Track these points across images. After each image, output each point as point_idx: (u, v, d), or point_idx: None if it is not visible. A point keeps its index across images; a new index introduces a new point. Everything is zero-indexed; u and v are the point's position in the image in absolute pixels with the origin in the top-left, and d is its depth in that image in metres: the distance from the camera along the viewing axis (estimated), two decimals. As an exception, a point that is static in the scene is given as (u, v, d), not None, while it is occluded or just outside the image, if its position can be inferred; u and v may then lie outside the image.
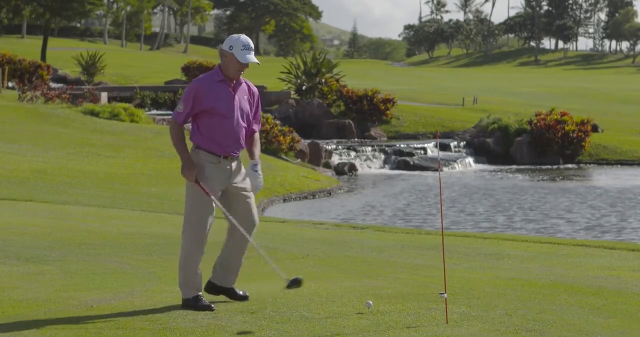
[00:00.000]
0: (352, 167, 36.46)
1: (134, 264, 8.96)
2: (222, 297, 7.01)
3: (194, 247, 6.77)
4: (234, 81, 6.75)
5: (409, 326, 6.27)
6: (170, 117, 6.91)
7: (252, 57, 6.66)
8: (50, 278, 7.96)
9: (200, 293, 6.78)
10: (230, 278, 6.96)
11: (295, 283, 6.59)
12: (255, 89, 6.94)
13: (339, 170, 35.73)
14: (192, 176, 6.61)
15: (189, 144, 6.80)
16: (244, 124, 6.80)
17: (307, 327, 6.17)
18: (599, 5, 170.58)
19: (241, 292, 6.97)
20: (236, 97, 6.75)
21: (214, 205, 6.71)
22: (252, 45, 6.70)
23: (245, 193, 6.83)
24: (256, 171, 6.77)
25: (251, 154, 6.94)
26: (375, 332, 6.10)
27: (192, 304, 6.68)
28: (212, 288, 6.99)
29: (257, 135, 7.00)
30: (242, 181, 6.82)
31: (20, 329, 6.03)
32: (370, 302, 6.71)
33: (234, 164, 6.78)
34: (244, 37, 6.69)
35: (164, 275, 8.24)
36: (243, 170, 6.86)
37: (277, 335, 5.97)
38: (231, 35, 6.77)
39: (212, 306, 6.66)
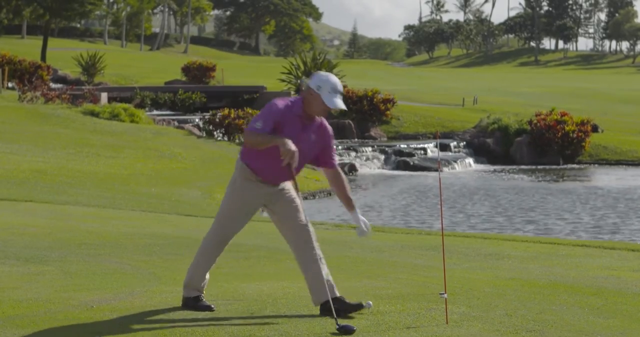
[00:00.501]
0: (352, 168, 36.45)
1: (134, 265, 8.96)
2: (222, 297, 7.00)
3: (213, 251, 6.68)
4: (312, 120, 6.48)
5: (409, 326, 6.26)
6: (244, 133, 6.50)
7: (340, 103, 6.37)
8: (50, 278, 7.95)
9: (202, 294, 6.73)
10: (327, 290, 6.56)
11: (345, 330, 6.07)
12: (328, 128, 6.62)
13: (339, 170, 35.72)
14: (292, 146, 6.24)
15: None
16: (302, 162, 6.53)
17: (307, 327, 6.17)
18: (599, 6, 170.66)
19: (352, 302, 6.56)
20: (305, 135, 6.45)
21: (247, 219, 6.60)
22: (341, 88, 6.40)
23: (291, 205, 6.63)
24: (359, 220, 6.61)
25: (347, 204, 6.71)
26: (375, 332, 6.10)
27: (192, 304, 6.65)
28: (324, 310, 6.53)
29: (338, 172, 6.73)
30: (285, 195, 6.63)
31: (20, 329, 6.03)
32: (370, 302, 6.70)
33: (279, 187, 6.61)
34: (333, 79, 6.38)
35: (164, 275, 8.24)
36: (283, 185, 6.65)
37: (277, 335, 5.97)
38: (320, 73, 6.45)
39: (212, 306, 6.63)
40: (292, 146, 6.25)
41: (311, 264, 6.57)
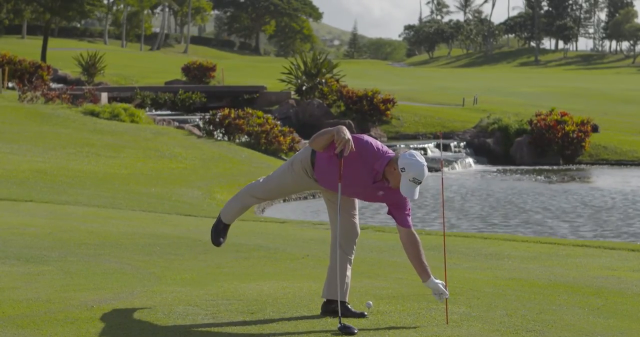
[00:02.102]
0: (352, 168, 36.43)
1: (134, 264, 8.96)
2: (222, 297, 7.00)
3: (257, 192, 6.79)
4: (381, 180, 6.31)
5: (409, 326, 6.27)
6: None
7: (416, 194, 6.12)
8: (50, 278, 7.95)
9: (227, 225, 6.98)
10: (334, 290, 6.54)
11: (347, 331, 6.06)
12: (400, 198, 6.38)
13: (339, 170, 35.71)
14: (347, 133, 6.15)
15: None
16: (359, 192, 6.42)
17: (307, 327, 6.17)
18: (599, 6, 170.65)
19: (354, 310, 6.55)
20: (366, 187, 6.33)
21: (300, 188, 6.64)
22: (422, 177, 6.12)
23: (353, 202, 6.59)
24: (436, 289, 6.54)
25: (420, 271, 6.59)
26: (375, 332, 6.10)
27: (215, 227, 6.94)
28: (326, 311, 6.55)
29: (412, 233, 6.47)
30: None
31: (20, 329, 6.03)
32: (371, 302, 6.70)
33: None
34: (421, 169, 6.10)
35: (164, 275, 8.24)
36: None
37: (277, 335, 5.97)
38: (412, 154, 6.16)
39: (221, 240, 6.91)
40: (347, 134, 6.14)
41: (344, 261, 6.54)
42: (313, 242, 11.76)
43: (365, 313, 6.52)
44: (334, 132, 6.17)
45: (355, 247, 6.63)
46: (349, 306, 6.53)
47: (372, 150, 6.28)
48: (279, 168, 6.75)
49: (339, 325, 6.07)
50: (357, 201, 6.65)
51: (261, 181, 6.80)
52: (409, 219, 6.44)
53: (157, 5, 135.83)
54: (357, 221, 6.65)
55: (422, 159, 6.16)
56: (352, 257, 6.62)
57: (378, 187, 6.32)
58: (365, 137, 6.34)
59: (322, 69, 47.14)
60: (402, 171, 6.11)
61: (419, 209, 25.12)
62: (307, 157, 6.52)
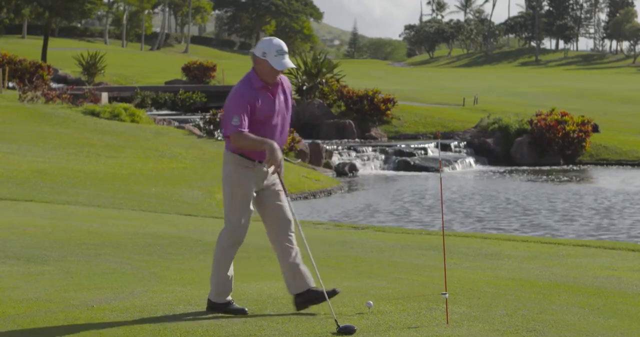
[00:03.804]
0: (353, 168, 36.45)
1: (134, 264, 8.96)
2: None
3: (231, 253, 6.62)
4: (274, 83, 6.53)
5: (410, 326, 6.27)
6: (222, 134, 6.55)
7: (288, 62, 6.40)
8: (50, 278, 7.95)
9: (230, 298, 6.64)
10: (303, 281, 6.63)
11: (346, 331, 6.08)
12: (288, 83, 6.70)
13: (340, 170, 35.73)
14: (279, 153, 6.31)
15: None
16: (284, 127, 6.63)
17: (307, 327, 6.17)
18: (599, 6, 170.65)
19: (327, 289, 6.52)
20: (276, 101, 6.54)
21: (252, 208, 6.57)
22: (285, 48, 6.41)
23: (277, 193, 6.66)
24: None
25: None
26: (375, 332, 6.10)
27: (223, 309, 6.56)
28: (301, 302, 6.64)
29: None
30: (272, 182, 6.66)
31: (20, 329, 6.03)
32: (371, 302, 6.70)
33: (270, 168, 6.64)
34: (276, 41, 6.41)
35: (165, 275, 8.24)
36: (273, 179, 6.66)
37: (277, 335, 5.97)
38: (264, 40, 6.47)
39: (245, 309, 6.57)
40: (280, 154, 6.33)
41: (288, 252, 6.60)
42: (313, 242, 11.75)
43: (337, 289, 6.54)
44: (266, 148, 6.31)
45: (293, 234, 6.65)
46: (315, 288, 6.54)
47: (244, 82, 6.48)
48: (227, 202, 6.57)
49: (337, 328, 6.06)
50: (282, 192, 6.65)
51: (225, 228, 6.62)
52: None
53: (157, 4, 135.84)
54: (286, 208, 6.66)
55: (269, 38, 6.45)
56: (293, 245, 6.63)
57: (278, 96, 6.54)
58: (234, 89, 6.44)
59: (323, 68, 47.15)
60: (264, 56, 6.37)
61: (419, 209, 25.13)
62: (237, 158, 6.50)
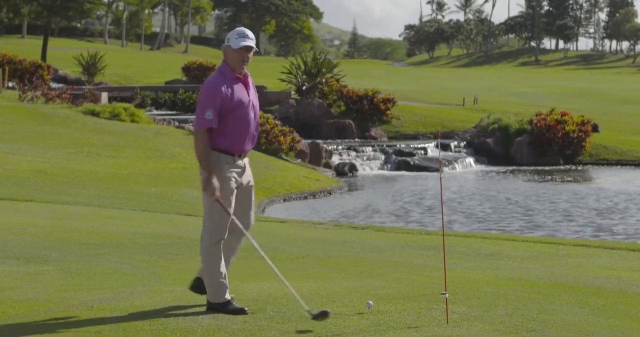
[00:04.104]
0: (353, 168, 36.45)
1: (134, 264, 8.96)
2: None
3: (218, 252, 6.65)
4: (243, 75, 6.66)
5: (410, 326, 6.27)
6: (192, 127, 6.64)
7: (246, 41, 6.54)
8: (50, 278, 7.95)
9: (229, 297, 6.67)
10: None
11: (322, 315, 6.29)
12: (252, 80, 6.90)
13: (340, 170, 35.72)
14: (216, 191, 6.46)
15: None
16: (257, 119, 6.75)
17: (307, 327, 6.17)
18: (599, 5, 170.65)
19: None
20: (249, 92, 6.68)
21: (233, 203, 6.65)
22: (247, 33, 6.59)
23: (250, 191, 6.76)
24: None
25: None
26: (375, 332, 6.10)
27: (223, 309, 6.59)
28: (197, 285, 6.84)
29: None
30: (248, 177, 6.76)
31: (20, 329, 6.03)
32: (371, 302, 6.71)
33: (245, 160, 6.74)
34: (239, 28, 6.65)
35: (164, 275, 8.24)
36: (248, 166, 6.80)
37: (277, 335, 5.97)
38: (230, 32, 6.71)
39: (245, 309, 6.59)
40: (211, 188, 6.42)
41: (228, 262, 6.74)
42: (313, 242, 11.76)
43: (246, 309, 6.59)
44: (208, 176, 6.44)
45: (243, 241, 6.83)
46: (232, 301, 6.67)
47: (215, 75, 6.61)
48: (208, 204, 6.62)
49: (311, 316, 6.21)
50: (253, 192, 6.78)
51: (206, 227, 6.67)
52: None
53: (157, 4, 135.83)
54: (251, 212, 6.81)
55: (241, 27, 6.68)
56: (236, 253, 6.85)
57: (250, 87, 6.69)
58: (207, 82, 6.53)
59: (322, 68, 47.14)
60: (228, 42, 6.59)
61: (419, 209, 25.13)
62: (215, 155, 6.55)
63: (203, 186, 6.48)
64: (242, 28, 6.65)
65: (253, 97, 6.72)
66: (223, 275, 6.61)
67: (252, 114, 6.67)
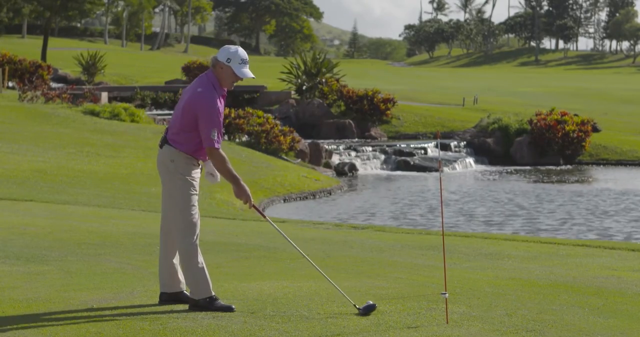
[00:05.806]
0: (353, 167, 36.45)
1: (134, 264, 8.96)
2: (222, 297, 7.00)
3: (196, 247, 6.75)
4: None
5: (409, 326, 6.27)
6: (209, 146, 6.74)
7: (249, 72, 6.74)
8: (50, 278, 7.95)
9: (213, 293, 6.73)
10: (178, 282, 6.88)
11: (369, 309, 6.55)
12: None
13: (339, 170, 35.73)
14: (251, 198, 6.75)
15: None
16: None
17: (307, 327, 6.17)
18: (599, 5, 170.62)
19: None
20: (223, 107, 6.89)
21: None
22: (248, 58, 6.77)
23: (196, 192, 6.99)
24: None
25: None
26: (375, 332, 6.10)
27: (208, 305, 6.64)
28: (166, 300, 6.84)
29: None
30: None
31: (20, 329, 6.03)
32: (371, 302, 6.70)
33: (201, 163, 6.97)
34: (241, 51, 6.72)
35: (164, 275, 8.22)
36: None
37: (277, 335, 5.97)
38: (227, 47, 6.74)
39: (232, 306, 6.64)
40: (247, 194, 6.72)
41: (174, 254, 6.81)
42: (313, 242, 11.76)
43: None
44: (239, 185, 6.71)
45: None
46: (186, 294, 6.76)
47: (211, 90, 6.69)
48: (178, 200, 6.74)
49: (358, 311, 6.51)
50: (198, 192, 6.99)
51: (179, 229, 6.74)
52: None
53: (157, 4, 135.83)
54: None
55: (234, 47, 6.73)
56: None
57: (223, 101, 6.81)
58: (207, 98, 6.62)
59: (322, 68, 47.14)
60: (228, 62, 6.65)
61: (419, 209, 25.14)
62: (183, 156, 6.69)
63: (237, 194, 6.74)
64: (244, 53, 6.73)
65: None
66: (205, 269, 6.70)
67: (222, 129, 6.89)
